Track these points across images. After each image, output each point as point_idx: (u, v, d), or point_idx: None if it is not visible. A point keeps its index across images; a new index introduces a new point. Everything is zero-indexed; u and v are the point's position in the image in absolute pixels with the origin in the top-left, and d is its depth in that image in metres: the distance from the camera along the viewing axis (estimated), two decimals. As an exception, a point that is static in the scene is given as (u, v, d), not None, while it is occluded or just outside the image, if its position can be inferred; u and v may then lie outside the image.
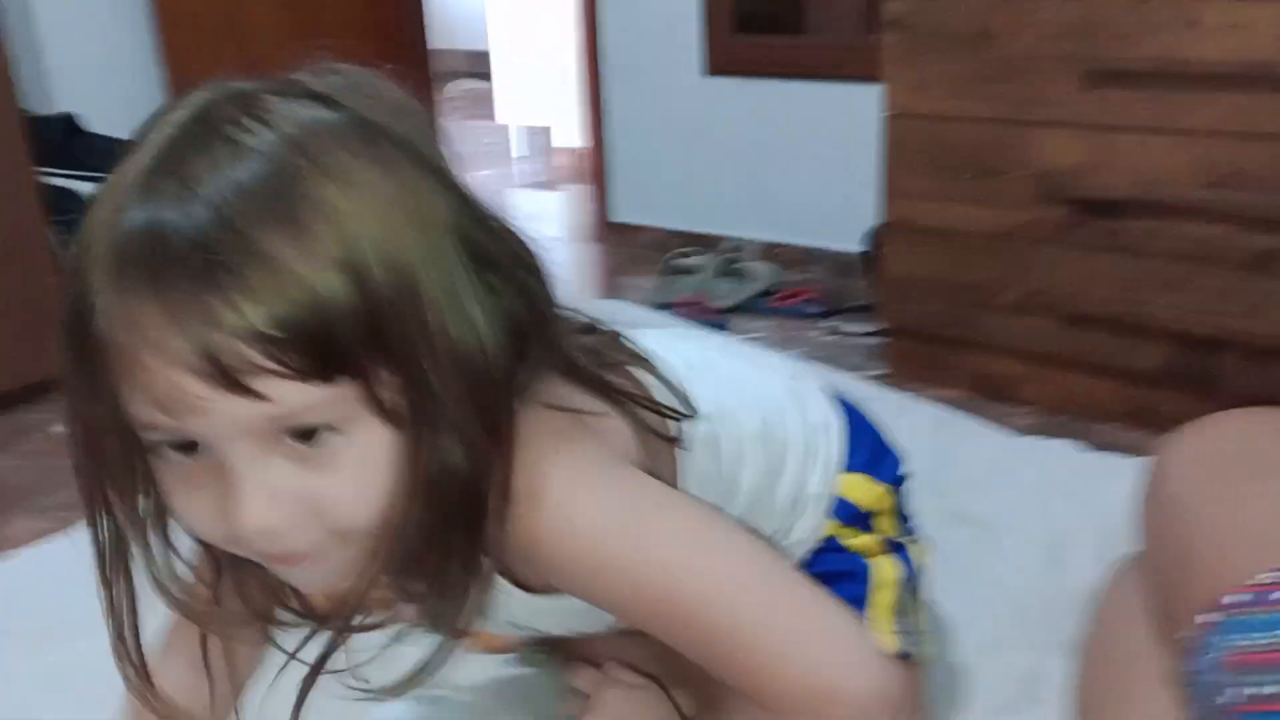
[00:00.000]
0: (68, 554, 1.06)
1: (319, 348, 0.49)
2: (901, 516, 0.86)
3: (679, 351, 0.75)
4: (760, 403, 0.77)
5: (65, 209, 2.14)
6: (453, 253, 0.53)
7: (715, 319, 2.34)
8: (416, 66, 3.23)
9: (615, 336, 0.69)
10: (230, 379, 0.48)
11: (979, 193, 1.73)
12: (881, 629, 0.77)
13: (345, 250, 0.49)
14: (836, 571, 0.78)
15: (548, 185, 4.10)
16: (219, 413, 0.49)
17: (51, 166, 2.17)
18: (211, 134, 0.51)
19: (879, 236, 1.97)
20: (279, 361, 0.48)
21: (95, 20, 2.48)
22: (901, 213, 1.84)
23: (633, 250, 3.01)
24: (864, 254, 2.32)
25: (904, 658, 0.77)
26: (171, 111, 0.53)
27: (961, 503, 1.25)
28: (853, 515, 0.81)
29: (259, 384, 0.48)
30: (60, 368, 0.53)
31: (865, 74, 2.09)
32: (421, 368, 0.52)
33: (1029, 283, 1.71)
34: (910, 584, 0.82)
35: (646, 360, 0.68)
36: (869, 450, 0.83)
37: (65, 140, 2.23)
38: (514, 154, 4.50)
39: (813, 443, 0.79)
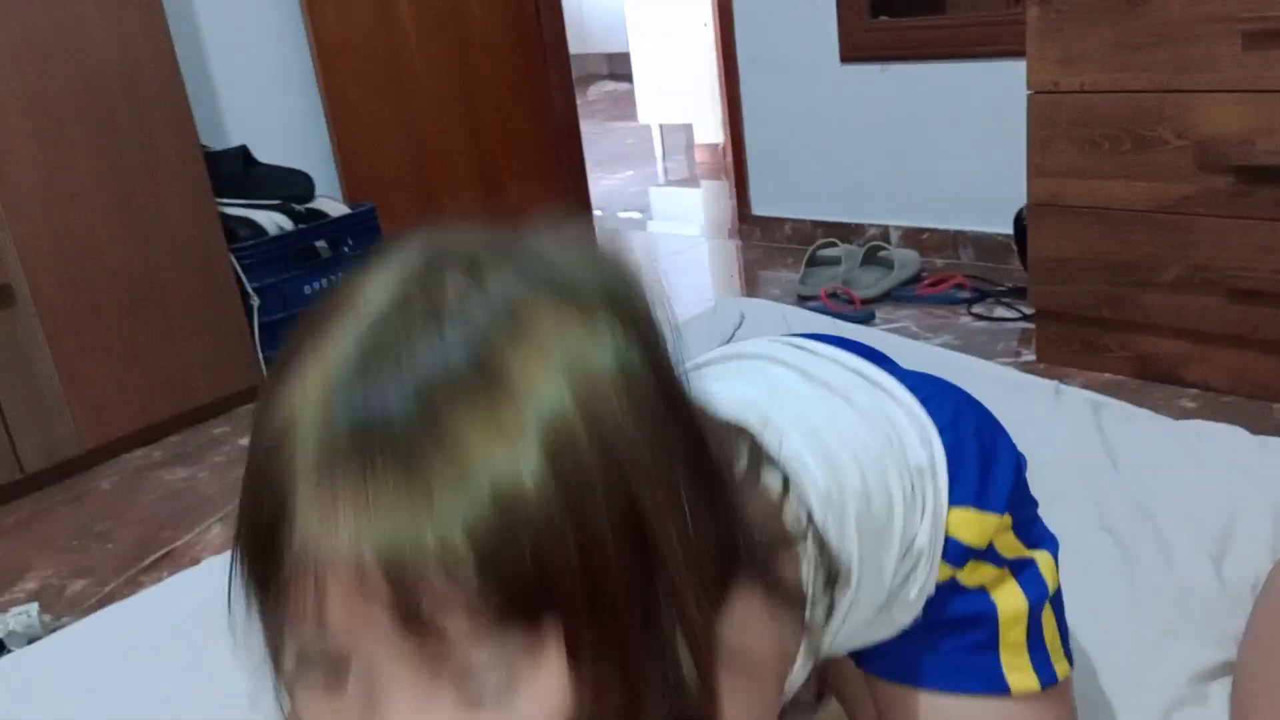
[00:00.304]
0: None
1: (526, 586, 0.42)
2: (1024, 526, 0.79)
3: (786, 412, 0.69)
4: (862, 463, 0.70)
5: (243, 235, 2.30)
6: (679, 467, 0.47)
7: (860, 310, 2.31)
8: (559, 72, 3.31)
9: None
10: (414, 615, 0.41)
11: (1134, 166, 1.66)
12: (1017, 669, 0.76)
13: (565, 466, 0.42)
14: (962, 617, 0.76)
15: (690, 182, 4.13)
16: (389, 641, 0.42)
17: (229, 197, 2.34)
18: (426, 314, 0.43)
19: (1025, 218, 1.91)
20: (479, 601, 0.41)
21: (262, 60, 2.65)
22: (1049, 191, 1.78)
23: (774, 243, 3.01)
24: (1015, 235, 2.25)
25: (1049, 682, 0.77)
26: (380, 273, 0.46)
27: (1125, 491, 1.21)
28: (964, 553, 0.75)
29: (447, 620, 0.41)
30: (242, 571, 0.46)
31: (1010, 49, 2.03)
32: (635, 599, 0.45)
33: (1192, 257, 1.63)
34: (1040, 604, 0.78)
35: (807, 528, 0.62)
36: (974, 476, 0.75)
37: (241, 171, 2.39)
38: (657, 153, 4.54)
39: (917, 491, 0.73)
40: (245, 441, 2.12)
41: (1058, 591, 0.79)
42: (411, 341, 0.43)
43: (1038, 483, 0.82)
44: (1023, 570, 0.78)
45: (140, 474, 2.04)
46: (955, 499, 0.73)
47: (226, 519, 1.88)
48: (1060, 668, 0.78)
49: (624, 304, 0.47)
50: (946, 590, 0.75)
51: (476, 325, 0.43)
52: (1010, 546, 0.77)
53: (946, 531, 0.73)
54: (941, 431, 0.74)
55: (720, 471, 0.50)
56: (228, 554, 1.24)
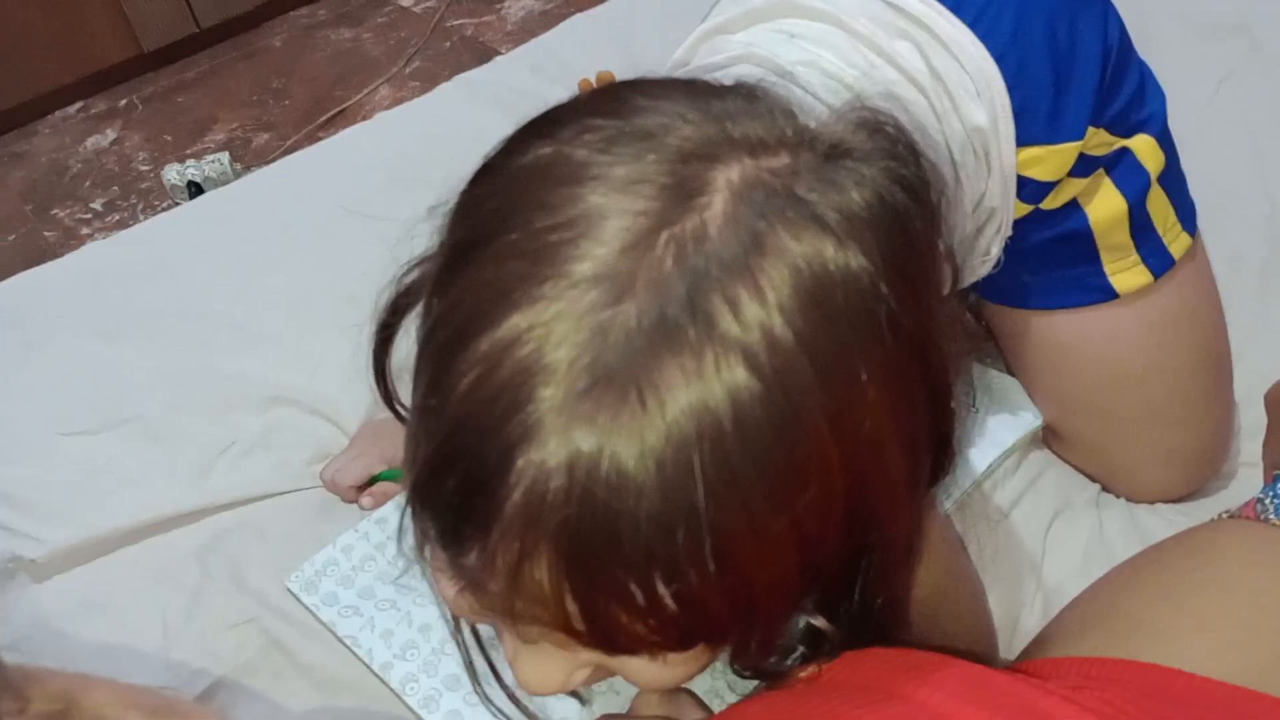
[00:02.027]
0: (417, 120, 1.18)
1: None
2: (1117, 117, 0.69)
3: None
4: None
5: None
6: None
7: None
8: None
9: None
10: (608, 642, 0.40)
11: None
12: (1124, 270, 0.73)
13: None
14: (1051, 239, 0.71)
15: None
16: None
17: None
18: (685, 337, 0.36)
19: None
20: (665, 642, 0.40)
21: None
22: None
23: None
24: None
25: (1164, 267, 0.73)
26: (613, 183, 0.38)
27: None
28: (1041, 188, 0.67)
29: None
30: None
31: None
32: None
33: None
34: (1143, 195, 0.72)
35: None
36: (1046, 105, 0.64)
37: None
38: None
39: (979, 152, 0.64)
40: (407, 2, 2.10)
41: (1166, 167, 0.72)
42: (663, 369, 0.36)
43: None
44: (1117, 164, 0.70)
45: (308, 33, 2.06)
46: (1023, 138, 0.63)
47: (393, 80, 1.90)
48: (1177, 246, 0.73)
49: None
50: (1028, 222, 0.69)
51: (722, 266, 0.37)
52: (1100, 144, 0.68)
53: (1018, 172, 0.65)
54: (1001, 59, 0.62)
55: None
56: (397, 109, 1.27)
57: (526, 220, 0.39)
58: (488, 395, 0.37)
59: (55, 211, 1.73)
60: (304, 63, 1.98)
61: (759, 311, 0.36)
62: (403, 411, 0.48)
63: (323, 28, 2.08)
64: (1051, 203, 0.70)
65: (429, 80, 1.83)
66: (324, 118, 1.83)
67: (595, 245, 0.37)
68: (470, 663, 0.54)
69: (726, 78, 0.44)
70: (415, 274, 0.48)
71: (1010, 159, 0.64)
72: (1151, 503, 0.80)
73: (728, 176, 0.38)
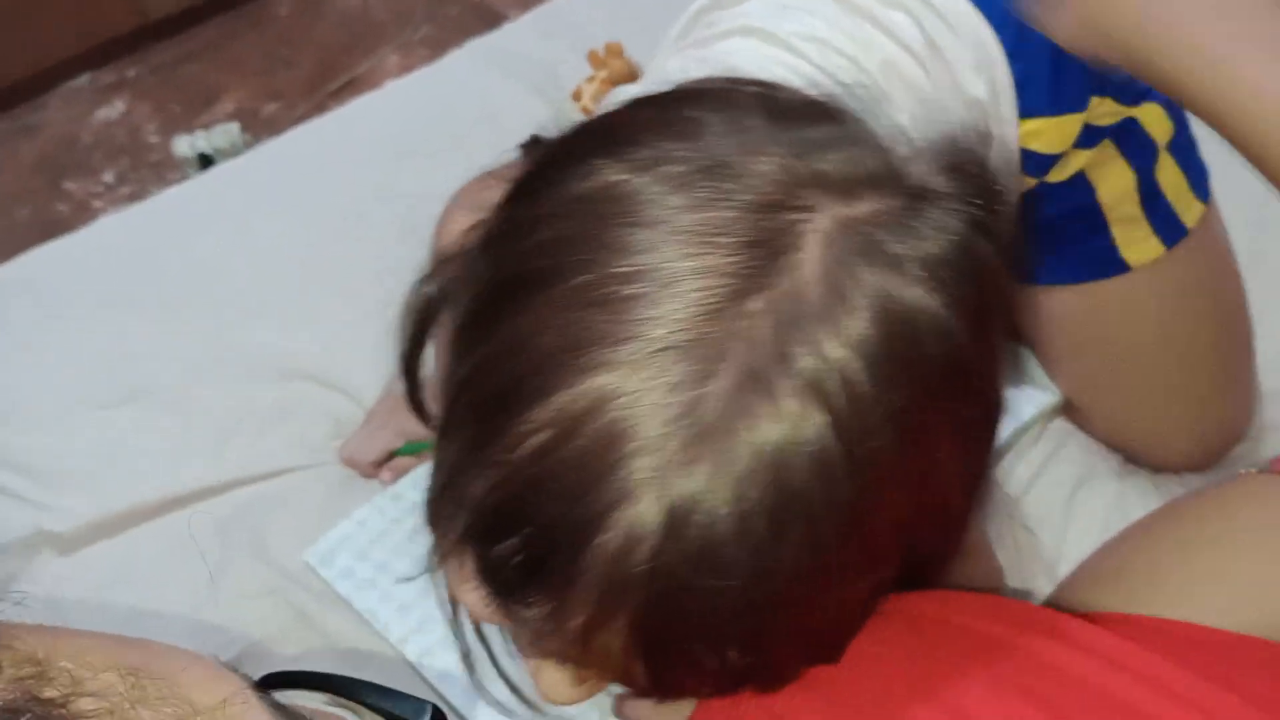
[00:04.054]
0: (428, 88, 1.17)
1: None
2: (1123, 85, 0.66)
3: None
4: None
5: None
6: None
7: None
8: None
9: None
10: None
11: None
12: (1135, 241, 0.71)
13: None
14: (1059, 215, 0.69)
15: None
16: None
17: None
18: (775, 391, 0.35)
19: None
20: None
21: None
22: None
23: None
24: None
25: (1177, 237, 0.72)
26: (685, 234, 0.36)
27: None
28: (1045, 161, 0.65)
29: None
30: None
31: None
32: None
33: None
34: (1151, 165, 0.70)
35: None
36: (1046, 75, 0.62)
37: None
38: None
39: (978, 124, 0.60)
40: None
41: (1176, 134, 0.70)
42: (746, 422, 0.34)
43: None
44: (1124, 134, 0.68)
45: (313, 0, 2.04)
46: (1025, 109, 0.61)
47: (401, 46, 1.89)
48: (1190, 215, 0.72)
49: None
50: (1035, 196, 0.67)
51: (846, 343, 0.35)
52: (1106, 113, 0.66)
53: (1021, 145, 0.63)
54: (1000, 29, 0.60)
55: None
56: (407, 78, 1.26)
57: (594, 262, 0.36)
58: (567, 460, 0.35)
59: (67, 184, 1.73)
60: (311, 30, 1.97)
61: (842, 356, 0.35)
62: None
63: (329, -7, 2.06)
64: (1057, 175, 0.68)
65: (437, 46, 1.82)
66: (333, 86, 1.82)
67: (674, 304, 0.35)
68: (467, 654, 0.54)
69: (757, 67, 0.43)
70: (433, 286, 0.46)
71: (1012, 132, 0.62)
72: (1177, 472, 0.80)
73: (816, 229, 0.36)
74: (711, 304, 0.35)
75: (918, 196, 0.38)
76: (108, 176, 1.74)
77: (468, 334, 0.41)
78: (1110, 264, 0.73)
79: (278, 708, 0.33)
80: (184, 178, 1.43)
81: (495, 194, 0.47)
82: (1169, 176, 0.72)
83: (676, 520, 0.34)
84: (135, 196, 1.65)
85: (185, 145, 1.66)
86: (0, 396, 0.90)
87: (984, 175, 0.40)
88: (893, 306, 0.36)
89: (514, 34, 1.25)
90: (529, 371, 0.36)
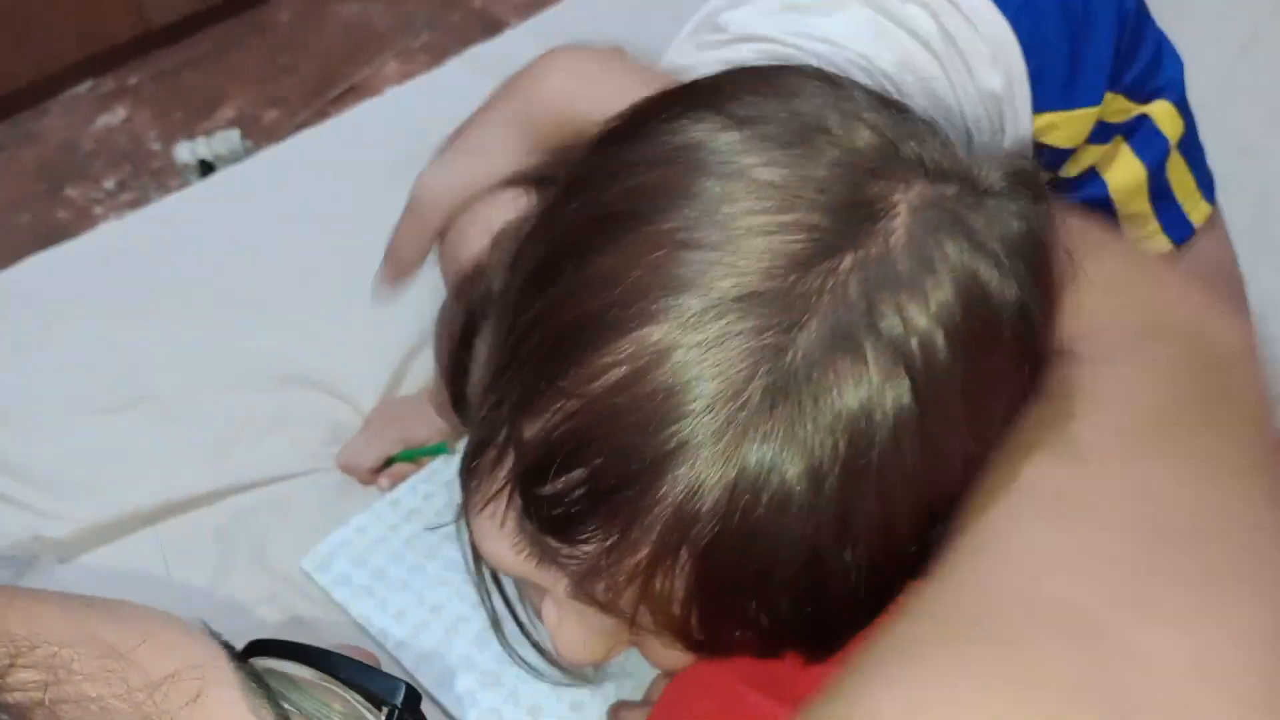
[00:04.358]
0: (427, 96, 1.17)
1: None
2: (1135, 82, 0.68)
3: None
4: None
5: None
6: None
7: None
8: None
9: None
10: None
11: None
12: (1144, 239, 0.71)
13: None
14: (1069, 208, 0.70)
15: None
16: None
17: None
18: (861, 351, 0.35)
19: None
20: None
21: None
22: None
23: None
24: None
25: (1184, 236, 0.72)
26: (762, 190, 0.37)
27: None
28: (1059, 155, 0.66)
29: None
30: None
31: None
32: None
33: None
34: (1162, 161, 0.70)
35: None
36: (1061, 68, 0.63)
37: None
38: None
39: (994, 121, 0.63)
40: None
41: (1185, 133, 0.71)
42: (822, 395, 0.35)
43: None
44: (1136, 131, 0.69)
45: (315, 7, 2.05)
46: (1039, 104, 0.62)
47: (401, 53, 1.89)
48: (1197, 214, 0.72)
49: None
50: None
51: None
52: (1118, 110, 0.67)
53: (1035, 139, 0.64)
54: (1015, 22, 0.60)
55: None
56: (407, 85, 1.27)
57: (686, 208, 0.36)
58: (649, 394, 0.35)
59: (68, 191, 1.73)
60: (312, 37, 1.97)
61: (927, 326, 0.36)
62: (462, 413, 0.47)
63: (330, 1, 2.06)
64: (1069, 170, 0.69)
65: (438, 53, 1.82)
66: (333, 93, 1.83)
67: (763, 255, 0.35)
68: (496, 617, 0.53)
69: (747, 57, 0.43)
70: (482, 283, 0.46)
71: (1027, 126, 0.63)
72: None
73: (908, 201, 0.37)
74: (802, 256, 0.35)
75: (987, 192, 0.39)
76: (109, 183, 1.74)
77: (539, 277, 0.40)
78: None
79: (254, 678, 0.33)
80: (185, 184, 1.43)
81: (505, 212, 0.47)
82: (1178, 175, 0.72)
83: (752, 466, 0.35)
84: (136, 203, 1.66)
85: (186, 152, 1.66)
86: (-1, 402, 0.90)
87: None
88: (974, 284, 0.37)
89: (515, 41, 1.25)
90: (614, 304, 0.36)
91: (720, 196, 0.36)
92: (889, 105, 0.41)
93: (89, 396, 0.90)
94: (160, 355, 0.92)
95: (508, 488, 0.40)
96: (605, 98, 0.46)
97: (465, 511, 0.44)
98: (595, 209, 0.40)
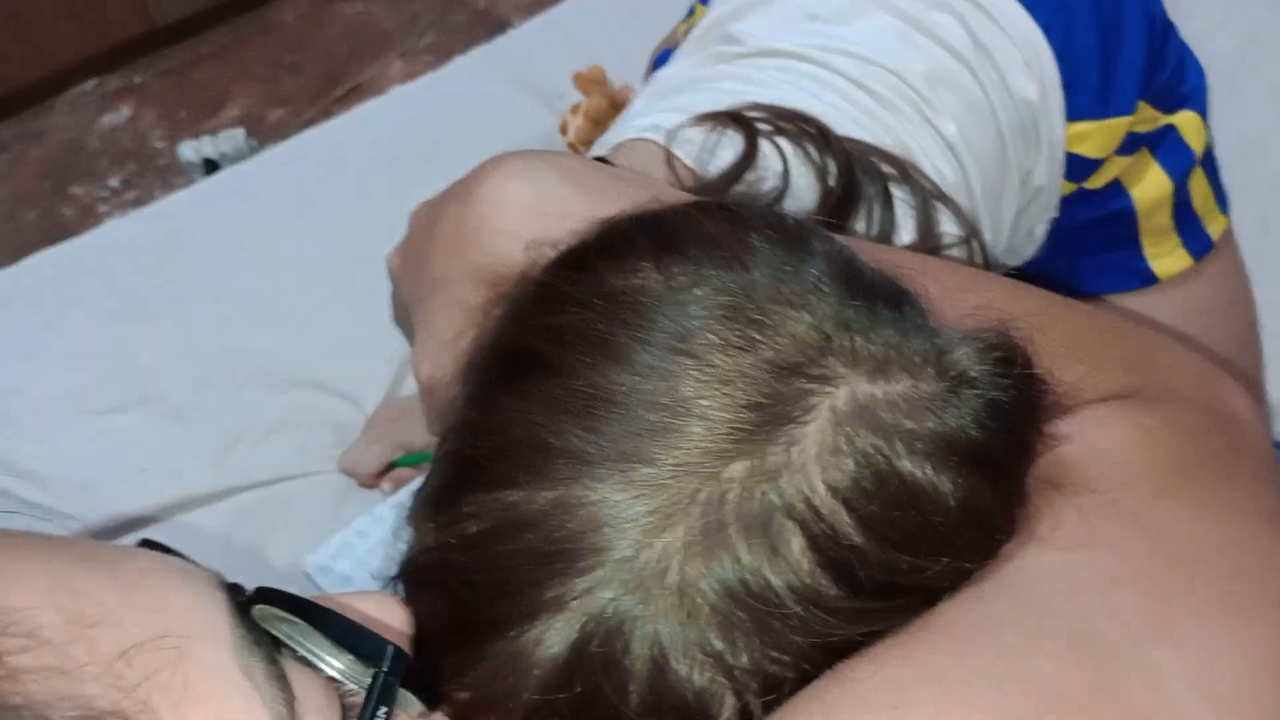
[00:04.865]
0: (431, 96, 1.17)
1: None
2: (1162, 91, 0.67)
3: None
4: (966, 133, 0.58)
5: None
6: None
7: None
8: None
9: None
10: None
11: None
12: (1165, 254, 0.71)
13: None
14: (1094, 220, 0.69)
15: None
16: None
17: None
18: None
19: None
20: None
21: None
22: None
23: None
24: None
25: (1203, 250, 0.71)
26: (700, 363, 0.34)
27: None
28: (1088, 166, 0.65)
29: None
30: None
31: None
32: None
33: None
34: (1186, 175, 0.70)
35: None
36: (1094, 77, 0.61)
37: None
38: None
39: (1028, 129, 0.61)
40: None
41: (1208, 149, 0.70)
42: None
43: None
44: (1162, 142, 0.68)
45: (321, 7, 2.05)
46: (1072, 112, 0.61)
47: (406, 54, 1.89)
48: (1215, 227, 0.72)
49: None
50: (1071, 201, 0.66)
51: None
52: (1146, 120, 0.66)
53: (1065, 148, 0.62)
54: (1048, 29, 0.59)
55: None
56: (412, 84, 1.27)
57: (595, 368, 0.35)
58: (499, 558, 0.35)
59: (73, 189, 1.73)
60: (317, 37, 1.97)
61: (818, 496, 0.33)
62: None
63: (335, 1, 2.06)
64: (1095, 182, 0.68)
65: (442, 54, 1.82)
66: (338, 92, 1.83)
67: (656, 442, 0.33)
68: None
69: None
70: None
71: (1060, 134, 0.62)
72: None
73: (830, 404, 0.34)
74: (690, 458, 0.33)
75: (954, 382, 0.35)
76: (113, 181, 1.74)
77: (468, 381, 0.40)
78: (1138, 276, 0.72)
79: (254, 632, 0.32)
80: (189, 183, 1.43)
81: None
82: (1199, 188, 0.72)
83: (583, 651, 0.34)
84: (140, 201, 1.66)
85: (191, 151, 1.66)
86: (3, 401, 0.90)
87: (1028, 369, 0.38)
88: (884, 469, 0.33)
89: (519, 42, 1.25)
90: (491, 456, 0.35)
91: (632, 363, 0.34)
92: (861, 289, 0.36)
93: (92, 395, 0.90)
94: (164, 354, 0.92)
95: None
96: (560, 216, 0.43)
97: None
98: (518, 339, 0.39)
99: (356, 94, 1.81)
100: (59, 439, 0.87)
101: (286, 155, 1.14)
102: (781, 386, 0.33)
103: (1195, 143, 0.69)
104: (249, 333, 0.93)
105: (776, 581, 0.33)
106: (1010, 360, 0.37)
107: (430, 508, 0.39)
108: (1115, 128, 0.63)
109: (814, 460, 0.33)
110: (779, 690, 0.34)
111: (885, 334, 0.35)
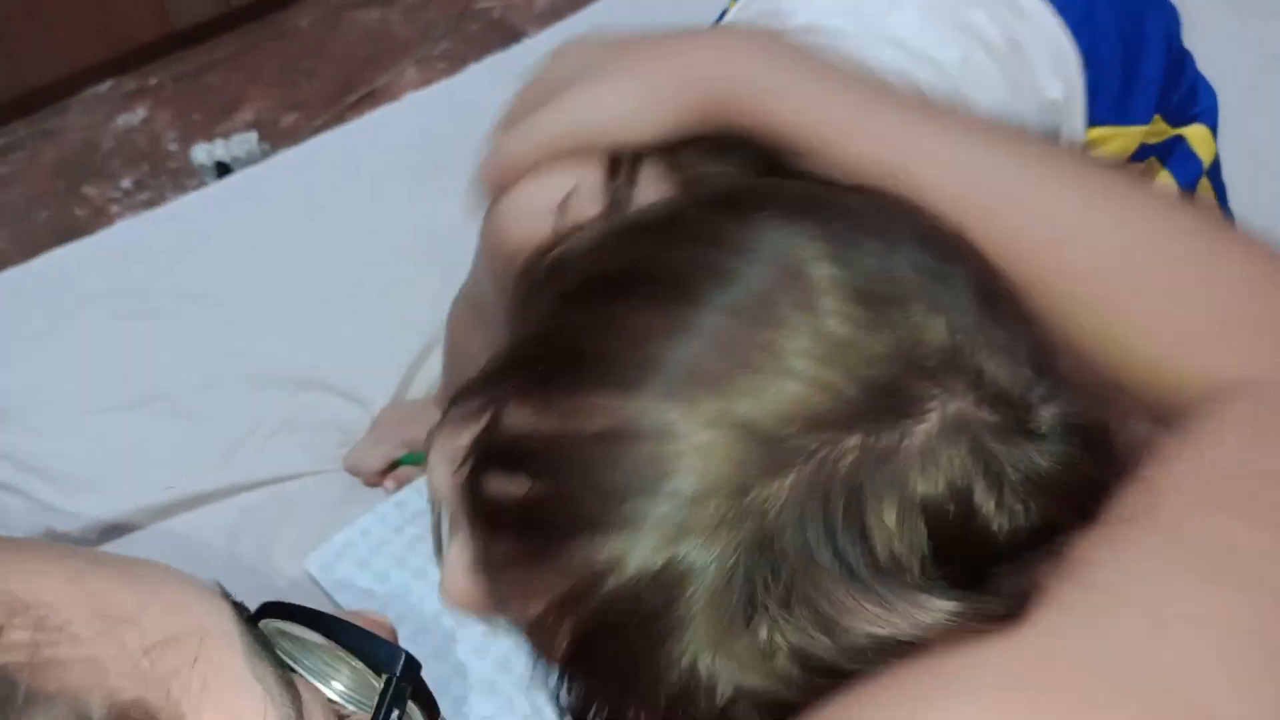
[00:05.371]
0: (444, 103, 1.18)
1: None
2: (1175, 105, 0.69)
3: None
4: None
5: None
6: None
7: None
8: None
9: None
10: None
11: None
12: None
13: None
14: None
15: None
16: None
17: None
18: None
19: None
20: None
21: None
22: None
23: None
24: None
25: None
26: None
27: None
28: None
29: None
30: None
31: None
32: None
33: None
34: (1193, 184, 0.71)
35: None
36: (1116, 84, 0.64)
37: None
38: None
39: (1050, 125, 0.63)
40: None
41: (1215, 161, 0.72)
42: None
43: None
44: (1171, 152, 0.70)
45: (337, 13, 2.06)
46: (1094, 116, 0.62)
47: (421, 61, 1.90)
48: None
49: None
50: None
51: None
52: (1157, 132, 0.68)
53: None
54: (1076, 31, 0.61)
55: None
56: (425, 91, 1.27)
57: (748, 316, 0.36)
58: (616, 457, 0.35)
59: (86, 189, 1.74)
60: (332, 43, 1.98)
61: (893, 521, 0.35)
62: None
63: (351, 8, 2.07)
64: None
65: (457, 62, 1.83)
66: (352, 98, 1.83)
67: (770, 392, 0.35)
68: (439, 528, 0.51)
69: None
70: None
71: (1080, 136, 0.63)
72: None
73: (945, 411, 0.35)
74: (816, 416, 0.35)
75: (1031, 433, 0.37)
76: (126, 182, 1.75)
77: (594, 289, 0.40)
78: None
79: (261, 641, 0.33)
80: (201, 185, 1.44)
81: (555, 194, 0.47)
82: (1205, 196, 0.73)
83: (676, 567, 0.34)
84: (152, 203, 1.66)
85: (203, 153, 1.67)
86: (12, 398, 0.91)
87: (1097, 434, 0.39)
88: (963, 501, 0.35)
89: (533, 50, 1.25)
90: (644, 362, 0.36)
91: (781, 323, 0.36)
92: (986, 299, 0.38)
93: (101, 393, 0.90)
94: (172, 354, 0.92)
95: (468, 441, 0.40)
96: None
97: (435, 430, 0.43)
98: (670, 261, 0.39)
99: (370, 100, 1.82)
100: (66, 436, 0.87)
101: (298, 160, 1.15)
102: (909, 382, 0.35)
103: (1203, 153, 0.70)
104: (257, 335, 0.94)
105: (850, 553, 0.35)
106: (1094, 441, 0.38)
107: (543, 382, 0.38)
108: (1132, 135, 0.65)
109: (918, 454, 0.35)
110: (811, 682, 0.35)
111: (1004, 363, 0.37)
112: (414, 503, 0.81)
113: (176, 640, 0.30)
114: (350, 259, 1.00)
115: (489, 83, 1.19)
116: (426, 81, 1.68)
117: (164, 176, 1.75)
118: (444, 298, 0.93)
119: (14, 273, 1.03)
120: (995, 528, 0.36)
